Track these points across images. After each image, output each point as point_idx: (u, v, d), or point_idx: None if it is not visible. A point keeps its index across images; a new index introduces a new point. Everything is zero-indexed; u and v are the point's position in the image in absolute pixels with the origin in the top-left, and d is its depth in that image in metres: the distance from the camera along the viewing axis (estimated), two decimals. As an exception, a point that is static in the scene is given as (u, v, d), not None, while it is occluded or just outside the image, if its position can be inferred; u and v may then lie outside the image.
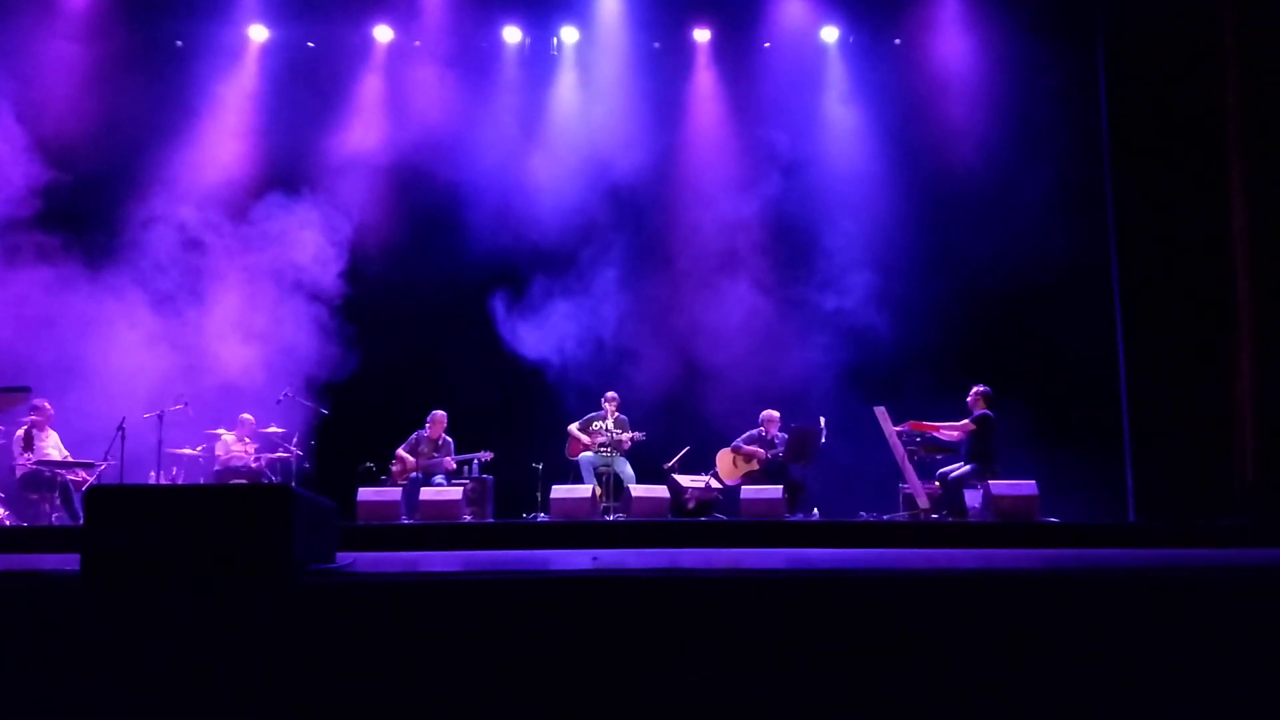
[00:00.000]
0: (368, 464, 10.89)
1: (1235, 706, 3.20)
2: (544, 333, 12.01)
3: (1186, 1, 10.69)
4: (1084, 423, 11.22)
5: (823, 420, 10.63)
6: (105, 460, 10.04)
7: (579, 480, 10.84)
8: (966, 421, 10.12)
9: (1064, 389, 11.42)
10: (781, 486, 10.05)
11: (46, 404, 10.18)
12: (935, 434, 10.28)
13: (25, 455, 9.88)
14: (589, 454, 11.10)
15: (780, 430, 11.00)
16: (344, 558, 4.34)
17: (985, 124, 12.05)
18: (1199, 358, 10.34)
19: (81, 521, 4.17)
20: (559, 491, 9.98)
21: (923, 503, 10.04)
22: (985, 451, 9.99)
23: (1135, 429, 10.77)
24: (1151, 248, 10.69)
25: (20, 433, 9.96)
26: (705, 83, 12.90)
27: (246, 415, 11.07)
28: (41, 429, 10.09)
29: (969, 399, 10.29)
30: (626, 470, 11.05)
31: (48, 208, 11.29)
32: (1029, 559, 5.65)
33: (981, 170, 11.87)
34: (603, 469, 11.04)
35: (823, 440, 10.59)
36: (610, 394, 11.30)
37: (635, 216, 12.60)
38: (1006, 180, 11.72)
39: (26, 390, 10.02)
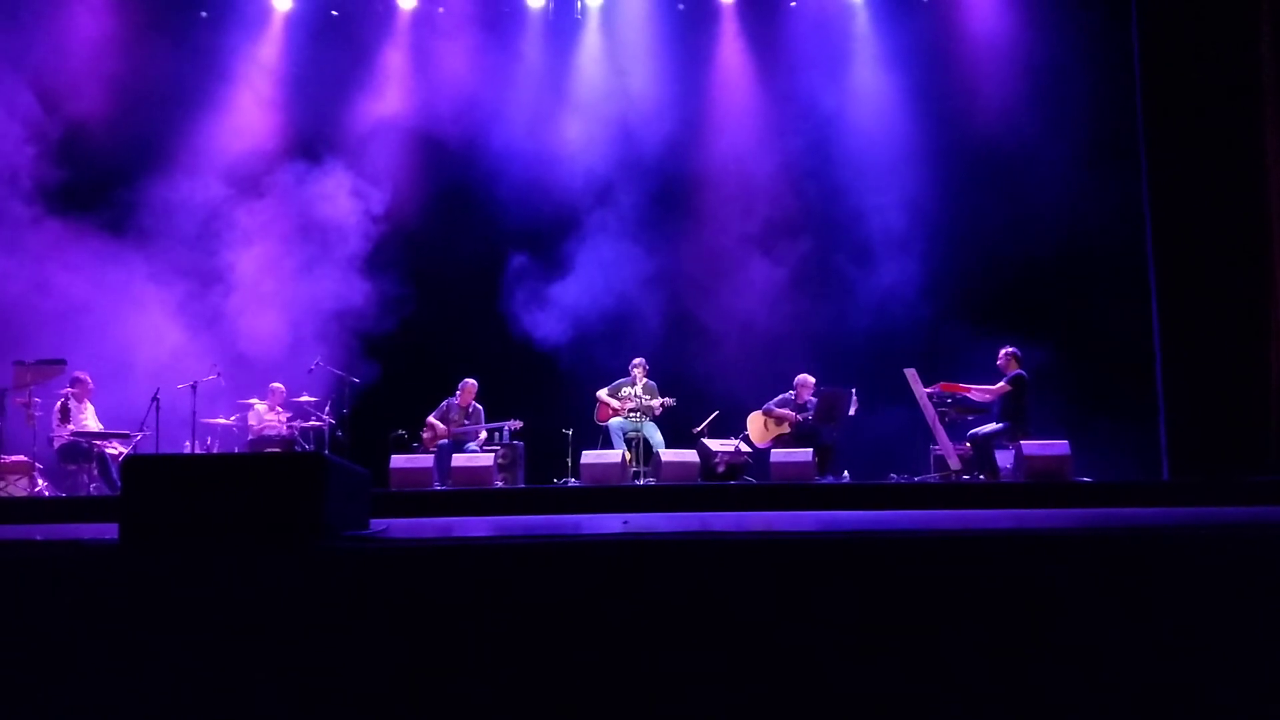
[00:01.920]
0: (399, 431, 10.97)
1: (1270, 664, 3.18)
2: (572, 298, 12.00)
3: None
4: (1117, 381, 11.13)
5: (854, 392, 10.60)
6: (141, 431, 10.15)
7: (609, 445, 10.88)
8: (1001, 384, 10.01)
9: (1097, 347, 11.32)
10: (811, 449, 10.03)
11: (87, 376, 10.30)
12: (966, 395, 10.21)
13: (63, 426, 10.01)
14: (618, 419, 11.12)
15: (812, 395, 10.97)
16: (378, 524, 4.37)
17: (1016, 83, 11.88)
18: (1233, 315, 10.23)
19: (119, 491, 4.23)
20: (589, 457, 10.02)
21: (954, 464, 10.00)
22: (1018, 411, 9.91)
23: (1169, 386, 10.66)
24: (1186, 205, 10.54)
25: (58, 405, 10.09)
26: (730, 44, 12.77)
27: (277, 384, 11.16)
28: (80, 400, 10.21)
29: (1000, 360, 10.18)
30: (656, 436, 11.07)
31: (75, 180, 11.42)
32: (1062, 519, 5.62)
33: (1013, 130, 11.72)
34: (632, 434, 11.06)
35: (852, 412, 10.56)
36: (638, 359, 11.28)
37: (661, 181, 12.53)
38: (1038, 140, 11.58)
39: (62, 362, 10.18)
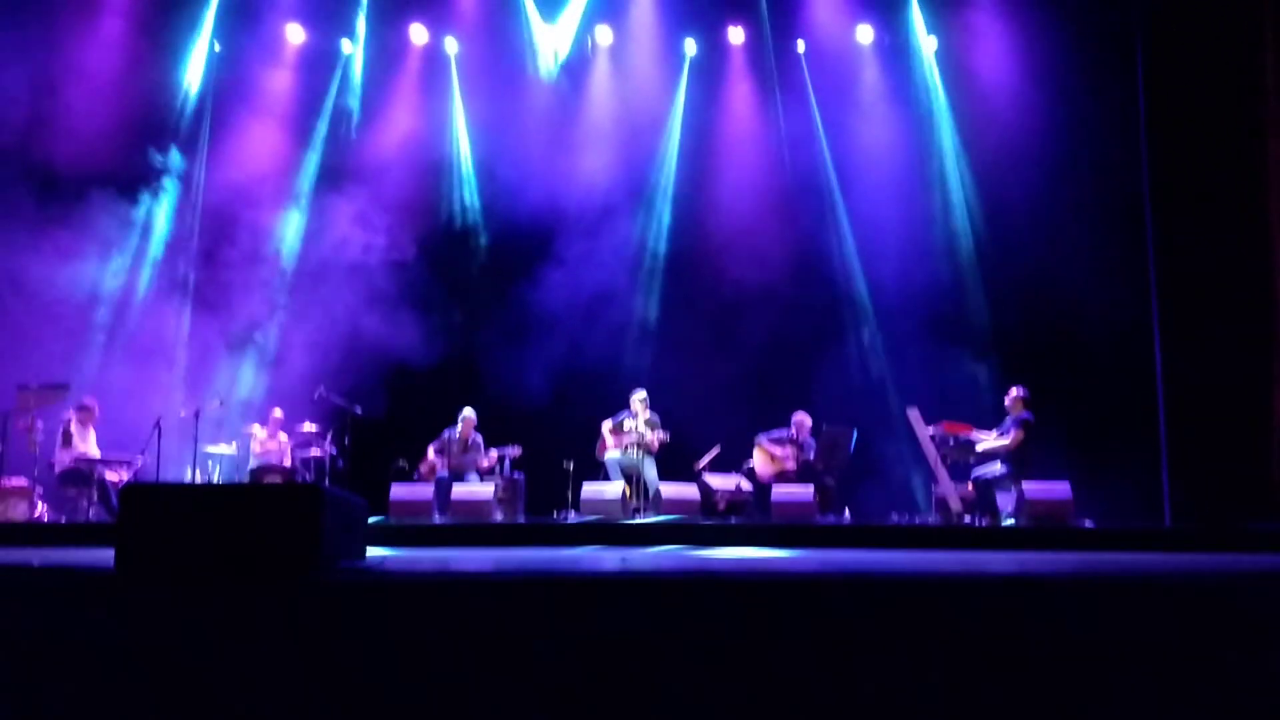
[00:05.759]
0: (400, 462, 10.93)
1: (1271, 713, 3.15)
2: (577, 330, 11.98)
3: (1226, 9, 10.60)
4: (1119, 426, 11.09)
5: (855, 432, 10.57)
6: (142, 456, 10.13)
7: (609, 479, 10.82)
8: (1015, 435, 9.77)
9: (1099, 391, 11.29)
10: (812, 487, 9.98)
11: (94, 403, 10.25)
12: (969, 436, 10.13)
13: (65, 451, 10.00)
14: (615, 454, 10.99)
15: (810, 434, 10.93)
16: (375, 555, 4.37)
17: (1023, 133, 11.87)
18: (1237, 361, 10.25)
19: (118, 517, 4.23)
20: (589, 490, 9.97)
21: (955, 505, 9.93)
22: (1022, 454, 9.82)
23: (1172, 432, 10.65)
24: (1190, 250, 10.61)
25: (61, 429, 10.07)
26: (738, 83, 12.87)
27: (276, 411, 11.15)
28: (84, 425, 10.16)
29: (1008, 401, 10.05)
30: (650, 473, 10.87)
31: (85, 207, 11.44)
32: (1063, 563, 5.60)
33: (1019, 177, 11.74)
34: (629, 469, 10.93)
35: (851, 450, 10.54)
36: (640, 393, 11.17)
37: (671, 217, 12.59)
38: (1046, 186, 11.61)
39: (66, 387, 10.17)
